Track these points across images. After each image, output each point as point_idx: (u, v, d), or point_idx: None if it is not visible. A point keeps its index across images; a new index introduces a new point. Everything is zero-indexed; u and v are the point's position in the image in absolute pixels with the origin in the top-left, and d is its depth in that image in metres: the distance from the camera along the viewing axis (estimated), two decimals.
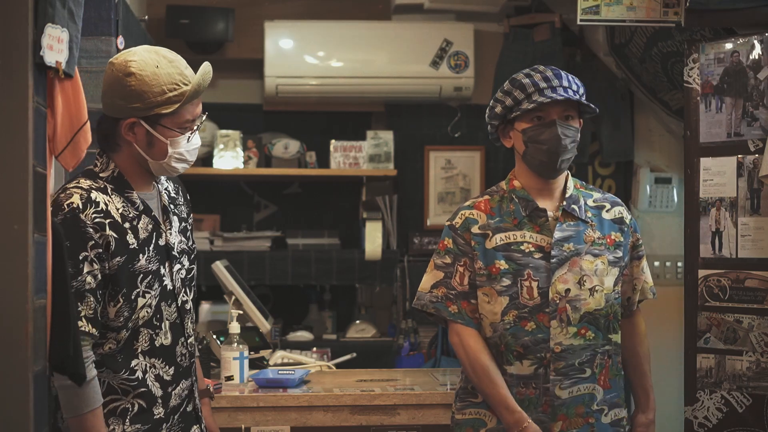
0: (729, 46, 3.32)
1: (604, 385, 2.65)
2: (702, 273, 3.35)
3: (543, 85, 2.59)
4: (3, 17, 2.13)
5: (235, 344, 3.37)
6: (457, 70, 4.86)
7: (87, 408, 2.27)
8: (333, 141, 4.98)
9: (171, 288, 2.45)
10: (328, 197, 5.25)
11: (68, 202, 2.30)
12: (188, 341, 2.50)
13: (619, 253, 2.70)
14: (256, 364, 3.65)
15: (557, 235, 2.63)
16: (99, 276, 2.30)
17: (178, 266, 2.48)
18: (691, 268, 3.39)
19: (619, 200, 2.80)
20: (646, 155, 4.82)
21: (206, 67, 2.37)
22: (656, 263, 4.79)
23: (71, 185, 2.36)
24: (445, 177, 5.11)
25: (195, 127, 2.41)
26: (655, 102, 4.37)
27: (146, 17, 4.25)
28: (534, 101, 2.58)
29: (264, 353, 3.77)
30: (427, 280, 2.70)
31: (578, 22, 3.44)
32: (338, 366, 3.91)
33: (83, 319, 2.27)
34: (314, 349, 4.37)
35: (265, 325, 4.06)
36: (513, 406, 2.59)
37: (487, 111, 2.73)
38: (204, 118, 2.45)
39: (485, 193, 2.75)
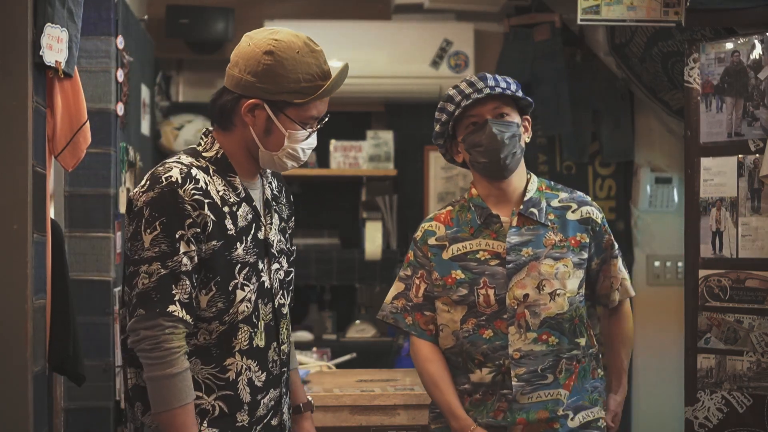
0: (729, 45, 3.32)
1: (570, 390, 2.63)
2: (702, 273, 3.35)
3: (468, 90, 2.62)
4: (3, 17, 2.13)
5: (288, 349, 3.35)
6: (457, 70, 4.86)
7: (179, 402, 2.08)
8: (333, 141, 4.97)
9: (269, 286, 2.27)
10: (328, 197, 5.24)
11: (167, 175, 2.13)
12: (281, 348, 2.32)
13: (585, 255, 2.66)
14: None
15: (514, 239, 2.61)
16: (195, 258, 2.12)
17: (276, 265, 2.31)
18: (691, 268, 3.39)
19: (588, 200, 2.74)
20: (647, 155, 4.82)
21: (346, 67, 2.24)
22: (656, 263, 4.79)
23: (171, 160, 2.20)
24: (445, 177, 5.11)
25: (316, 126, 2.28)
26: (655, 102, 4.37)
27: (146, 17, 4.25)
28: (461, 106, 2.60)
29: None
30: (391, 292, 2.76)
31: (578, 22, 3.44)
32: (338, 366, 3.91)
33: (177, 304, 2.08)
34: (314, 349, 4.37)
35: None
36: (458, 412, 2.61)
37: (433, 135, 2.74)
38: (326, 120, 2.31)
39: (449, 204, 2.77)
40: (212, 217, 2.13)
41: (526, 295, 2.59)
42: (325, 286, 5.12)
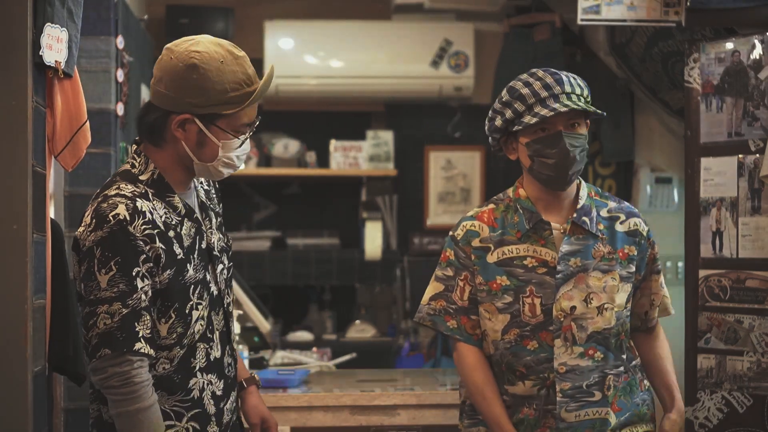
0: (730, 45, 3.32)
1: (616, 409, 2.51)
2: (702, 273, 3.35)
3: (544, 94, 2.42)
4: (2, 17, 2.13)
5: (235, 344, 3.36)
6: (457, 69, 4.86)
7: None
8: (333, 141, 4.97)
9: (217, 293, 2.29)
10: (328, 197, 5.24)
11: (113, 213, 2.10)
12: (233, 347, 2.36)
13: (632, 268, 2.53)
14: (256, 364, 3.65)
15: (564, 249, 2.46)
16: (149, 292, 2.12)
17: (220, 267, 2.31)
18: (691, 268, 3.38)
19: (635, 211, 2.59)
20: (647, 155, 4.81)
21: (272, 71, 2.25)
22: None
23: (112, 192, 2.15)
24: (445, 177, 5.11)
25: (249, 132, 2.25)
26: (655, 102, 4.37)
27: (146, 17, 4.24)
28: (536, 114, 2.40)
29: (264, 353, 3.77)
30: (428, 292, 2.57)
31: (578, 22, 3.44)
32: (338, 366, 3.91)
33: (141, 340, 2.08)
34: (314, 349, 4.37)
35: (265, 325, 4.06)
36: (506, 426, 2.46)
37: (486, 123, 2.55)
38: (258, 122, 2.28)
39: (490, 202, 2.59)
40: (163, 247, 2.13)
41: (573, 308, 2.45)
42: (325, 286, 5.12)
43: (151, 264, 2.12)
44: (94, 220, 2.11)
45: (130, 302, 2.08)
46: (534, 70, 2.49)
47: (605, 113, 2.54)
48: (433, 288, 2.56)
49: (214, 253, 2.28)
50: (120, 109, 3.50)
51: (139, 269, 2.09)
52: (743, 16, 3.31)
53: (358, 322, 5.02)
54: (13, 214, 2.13)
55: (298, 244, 5.02)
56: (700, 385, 3.32)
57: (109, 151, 3.39)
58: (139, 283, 2.09)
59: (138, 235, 2.10)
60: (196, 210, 2.28)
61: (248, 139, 2.26)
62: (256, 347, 3.72)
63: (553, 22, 4.67)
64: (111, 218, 2.09)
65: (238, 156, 2.25)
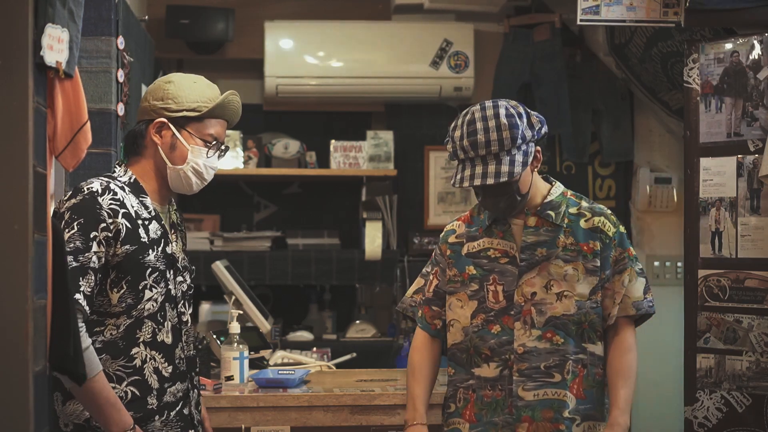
0: (729, 46, 3.33)
1: (577, 394, 2.62)
2: (702, 273, 3.35)
3: (462, 155, 2.58)
4: (3, 17, 2.14)
5: (235, 344, 3.37)
6: (457, 70, 4.86)
7: (94, 371, 2.34)
8: (333, 141, 4.98)
9: (174, 294, 2.55)
10: (328, 197, 5.25)
11: (88, 186, 2.43)
12: (185, 347, 2.60)
13: (597, 263, 2.63)
14: (256, 364, 3.65)
15: (530, 239, 2.65)
16: (102, 259, 2.40)
17: (180, 278, 2.59)
18: (690, 268, 3.39)
19: (606, 212, 2.70)
20: (646, 155, 4.82)
21: (234, 93, 2.56)
22: (656, 263, 4.79)
23: (91, 179, 2.49)
24: (445, 177, 5.11)
25: (216, 147, 2.57)
26: (655, 102, 4.38)
27: (146, 17, 4.25)
28: (455, 175, 2.60)
29: (264, 353, 3.78)
30: (412, 287, 2.91)
31: (578, 22, 3.45)
32: (338, 366, 3.91)
33: (81, 294, 2.36)
34: (314, 349, 4.37)
35: (265, 325, 4.06)
36: (416, 404, 2.75)
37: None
38: (224, 148, 2.60)
39: (475, 206, 2.82)
40: (127, 224, 2.44)
41: (534, 294, 2.64)
42: (325, 286, 5.12)
43: (110, 234, 2.40)
44: (71, 192, 2.45)
45: (81, 258, 2.36)
46: (468, 114, 2.60)
47: (511, 179, 2.56)
48: (416, 283, 2.90)
49: (177, 264, 2.57)
50: (120, 109, 3.50)
51: (96, 234, 2.39)
52: (742, 17, 3.32)
53: (358, 322, 5.02)
54: (13, 214, 2.14)
55: (298, 244, 5.02)
56: (699, 384, 3.33)
57: (110, 151, 3.39)
58: (94, 247, 2.38)
59: (104, 206, 2.41)
60: (165, 222, 2.57)
61: (216, 157, 2.57)
62: (256, 347, 3.72)
63: (552, 22, 4.68)
64: (86, 189, 2.43)
65: (207, 166, 2.55)
